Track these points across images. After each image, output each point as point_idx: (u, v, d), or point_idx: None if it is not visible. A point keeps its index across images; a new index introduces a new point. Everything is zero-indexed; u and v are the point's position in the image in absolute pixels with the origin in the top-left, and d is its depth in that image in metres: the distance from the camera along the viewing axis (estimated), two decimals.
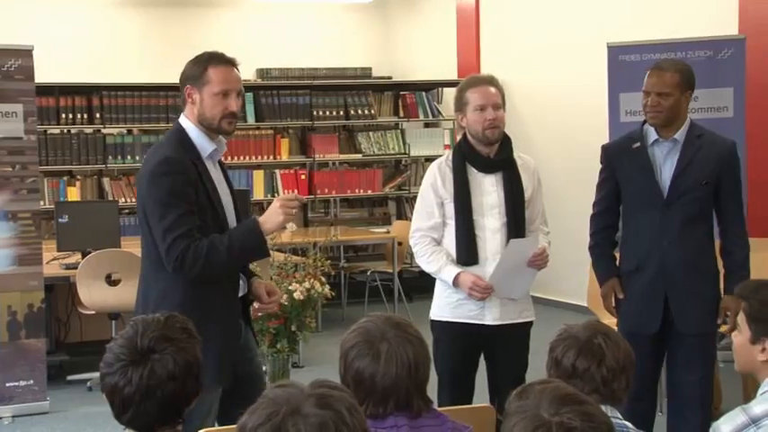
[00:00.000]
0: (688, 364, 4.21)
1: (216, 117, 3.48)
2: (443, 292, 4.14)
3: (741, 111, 6.74)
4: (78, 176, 9.34)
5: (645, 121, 4.32)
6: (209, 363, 2.94)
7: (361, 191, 10.20)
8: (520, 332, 4.14)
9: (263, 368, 6.55)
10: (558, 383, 1.91)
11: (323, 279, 6.39)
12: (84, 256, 6.91)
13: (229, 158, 9.65)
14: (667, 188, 4.18)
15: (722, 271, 4.30)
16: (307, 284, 6.18)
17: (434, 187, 4.10)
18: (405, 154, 10.40)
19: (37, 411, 6.22)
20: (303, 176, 9.94)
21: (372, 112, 10.32)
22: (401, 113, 10.57)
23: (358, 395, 2.37)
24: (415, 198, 4.26)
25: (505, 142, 4.12)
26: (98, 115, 9.30)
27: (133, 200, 9.35)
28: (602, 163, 4.42)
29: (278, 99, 9.93)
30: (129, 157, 9.38)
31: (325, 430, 1.57)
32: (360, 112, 10.24)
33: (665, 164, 4.21)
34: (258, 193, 9.68)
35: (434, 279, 4.19)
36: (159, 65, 10.44)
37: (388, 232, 9.56)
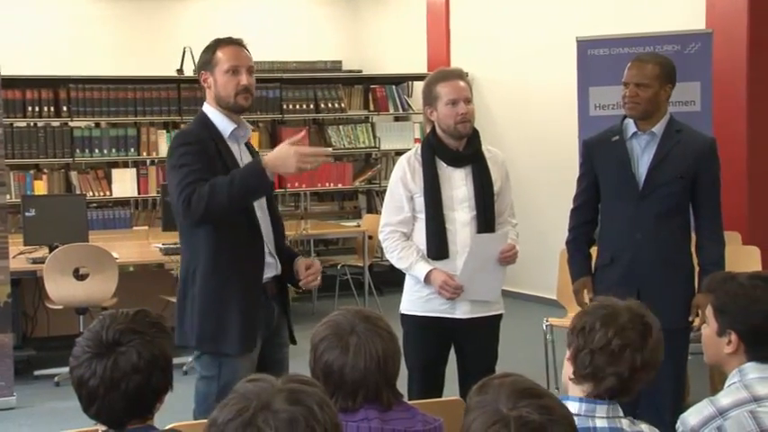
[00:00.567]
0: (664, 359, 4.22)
1: (231, 94, 3.60)
2: (413, 287, 4.13)
3: (708, 105, 6.79)
4: (45, 170, 9.25)
5: (625, 116, 4.34)
6: (232, 330, 3.45)
7: (332, 184, 10.19)
8: (490, 325, 4.15)
9: None
10: (517, 377, 1.91)
11: None
12: (51, 250, 6.86)
13: None
14: (643, 181, 4.20)
15: (697, 267, 4.31)
16: None
17: (404, 181, 4.10)
18: (375, 147, 10.39)
19: (3, 407, 6.17)
20: None
21: (342, 105, 10.31)
22: (371, 107, 10.56)
23: (327, 388, 2.37)
24: (385, 191, 4.25)
25: (474, 136, 4.12)
26: (65, 108, 9.21)
27: (100, 193, 9.30)
28: (582, 157, 4.44)
29: None
30: (96, 151, 9.31)
31: (295, 426, 1.57)
32: (330, 105, 10.23)
33: (642, 157, 4.24)
34: None
35: (404, 273, 4.19)
36: (127, 57, 10.39)
37: (358, 226, 9.55)
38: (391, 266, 4.26)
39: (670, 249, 4.24)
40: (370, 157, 10.62)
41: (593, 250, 4.49)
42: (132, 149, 9.41)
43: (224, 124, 3.63)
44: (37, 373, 6.89)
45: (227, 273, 3.51)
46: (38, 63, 9.64)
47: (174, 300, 6.78)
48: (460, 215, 4.06)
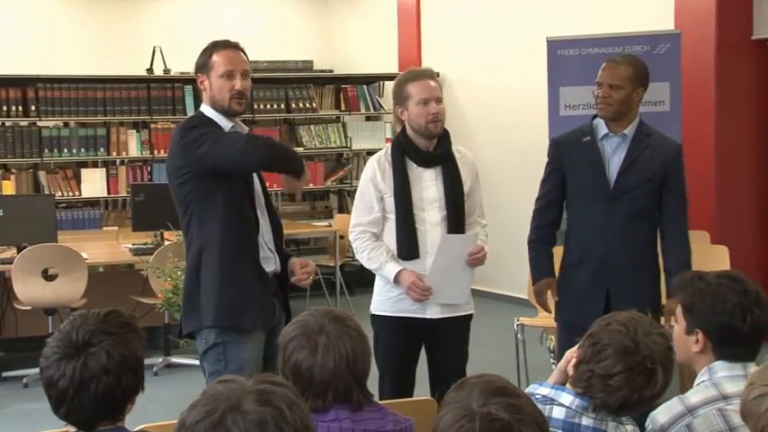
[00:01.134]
0: None
1: (225, 98, 3.66)
2: (384, 287, 4.13)
3: (677, 105, 6.83)
4: (13, 170, 9.16)
5: (595, 116, 4.36)
6: (251, 304, 3.62)
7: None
8: (460, 325, 4.16)
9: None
10: (493, 377, 1.92)
11: None
12: (19, 250, 6.81)
13: None
14: (613, 182, 4.22)
15: (663, 270, 4.35)
16: None
17: (374, 182, 4.09)
18: (346, 147, 10.38)
19: None
20: None
21: (313, 105, 10.29)
22: (342, 107, 10.55)
23: (296, 388, 2.35)
24: (356, 191, 4.25)
25: (444, 136, 4.12)
26: (33, 108, 9.12)
27: (69, 194, 9.23)
28: (549, 156, 4.43)
29: None
30: (65, 151, 9.24)
31: (264, 427, 1.56)
32: (301, 105, 10.21)
33: (613, 158, 4.25)
34: None
35: (375, 273, 4.19)
36: (97, 57, 10.31)
37: (329, 226, 9.54)
38: (363, 266, 4.25)
39: (638, 251, 4.27)
40: (341, 156, 10.61)
41: (557, 250, 4.49)
42: (102, 149, 9.35)
43: (222, 122, 3.71)
44: (5, 374, 6.83)
45: (239, 254, 3.63)
46: (6, 62, 9.55)
47: (144, 300, 6.80)
48: (431, 215, 4.06)
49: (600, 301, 4.21)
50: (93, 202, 9.39)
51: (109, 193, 9.41)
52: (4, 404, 6.28)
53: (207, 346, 3.67)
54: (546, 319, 5.18)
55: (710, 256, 6.17)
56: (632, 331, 2.41)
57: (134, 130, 9.51)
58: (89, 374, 2.21)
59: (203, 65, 3.70)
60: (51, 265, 6.68)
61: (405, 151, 4.09)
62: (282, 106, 10.10)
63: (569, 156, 4.32)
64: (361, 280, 8.47)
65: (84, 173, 9.36)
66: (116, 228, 9.09)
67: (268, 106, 10.02)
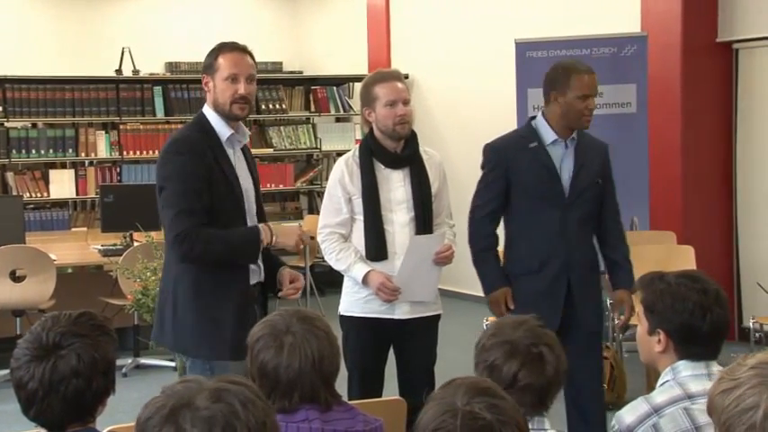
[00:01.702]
0: (588, 360, 4.26)
1: (227, 102, 3.59)
2: (352, 288, 4.14)
3: (644, 107, 6.91)
4: None
5: (532, 118, 4.34)
6: (227, 335, 3.47)
7: (273, 185, 10.15)
8: (428, 325, 4.17)
9: (174, 363, 6.50)
10: (479, 378, 1.96)
11: None
12: None
13: (138, 152, 9.53)
14: (568, 187, 4.21)
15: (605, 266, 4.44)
16: None
17: (342, 183, 4.10)
18: (316, 148, 10.38)
19: None
20: None
21: (283, 106, 10.29)
22: (312, 108, 10.55)
23: (263, 388, 2.38)
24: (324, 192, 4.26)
25: (411, 137, 4.13)
26: (1, 108, 9.06)
27: (37, 194, 9.17)
28: (490, 162, 4.28)
29: (188, 93, 9.82)
30: (33, 151, 9.18)
31: (214, 423, 1.57)
32: (271, 106, 10.20)
33: (564, 163, 4.23)
34: None
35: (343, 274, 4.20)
36: (65, 57, 10.25)
37: (300, 226, 9.52)
38: (332, 267, 4.26)
39: (590, 253, 4.32)
40: (311, 157, 10.61)
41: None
42: (70, 150, 9.29)
43: (222, 129, 3.63)
44: None
45: (219, 280, 3.54)
46: None
47: (113, 301, 6.77)
48: (399, 216, 4.07)
49: (559, 306, 4.20)
50: (61, 203, 9.34)
51: (77, 194, 9.36)
52: None
53: (191, 361, 3.66)
54: None
55: (676, 256, 6.25)
56: (505, 334, 2.46)
57: (103, 131, 9.46)
58: (59, 377, 2.20)
59: (208, 66, 3.64)
60: (19, 267, 6.63)
61: (373, 153, 4.10)
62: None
63: (515, 162, 4.22)
64: (331, 281, 8.46)
65: (53, 174, 9.30)
66: (85, 229, 9.04)
67: None
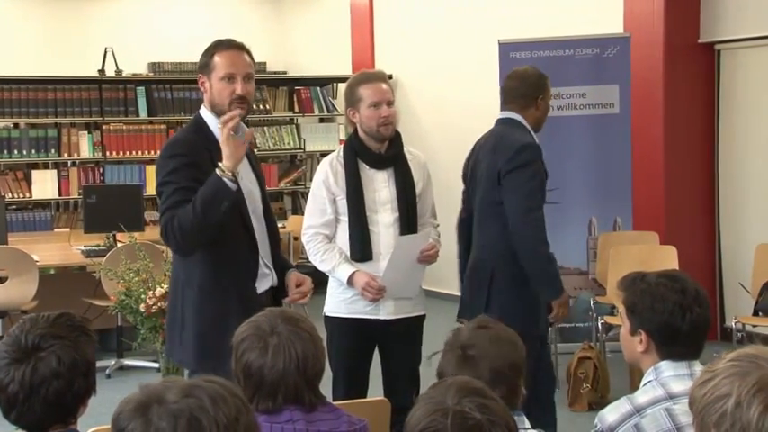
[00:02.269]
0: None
1: (224, 102, 3.47)
2: (337, 289, 4.14)
3: (627, 107, 6.93)
4: None
5: (509, 120, 4.37)
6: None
7: None
8: (413, 326, 4.18)
9: (158, 365, 6.49)
10: (471, 379, 1.96)
11: None
12: None
13: (121, 153, 9.50)
14: None
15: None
16: None
17: (326, 184, 4.10)
18: (300, 149, 10.38)
19: None
20: None
21: (267, 107, 10.28)
22: (296, 108, 10.55)
23: (248, 389, 2.38)
24: (309, 193, 4.25)
25: (395, 138, 4.13)
26: None
27: (19, 195, 9.13)
28: (538, 162, 4.17)
29: (171, 93, 9.80)
30: (15, 152, 9.15)
31: (180, 416, 1.57)
32: (254, 106, 10.15)
33: None
34: (152, 189, 9.52)
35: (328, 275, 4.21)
36: (48, 57, 10.22)
37: (283, 227, 9.51)
38: (317, 268, 4.26)
39: None
40: (295, 158, 10.61)
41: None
42: (53, 150, 9.26)
43: (218, 132, 3.48)
44: None
45: (226, 290, 3.44)
46: None
47: (96, 302, 6.75)
48: (383, 217, 4.08)
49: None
50: (44, 204, 9.31)
51: (60, 195, 9.33)
52: None
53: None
54: None
55: (659, 257, 6.27)
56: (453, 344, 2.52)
57: (86, 132, 9.44)
58: (39, 379, 2.19)
59: (204, 65, 3.52)
60: (1, 267, 6.60)
61: (357, 153, 4.10)
62: None
63: (543, 162, 4.22)
64: (316, 281, 8.44)
65: (35, 174, 9.27)
66: (68, 229, 9.01)
67: None
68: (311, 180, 4.24)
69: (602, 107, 6.94)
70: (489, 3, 9.02)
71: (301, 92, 10.54)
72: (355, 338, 4.12)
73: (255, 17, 11.53)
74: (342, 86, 10.46)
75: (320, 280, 3.90)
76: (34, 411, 2.21)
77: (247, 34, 12.27)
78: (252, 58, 3.58)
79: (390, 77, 4.25)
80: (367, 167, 4.10)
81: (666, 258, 6.23)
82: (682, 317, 2.58)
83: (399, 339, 4.13)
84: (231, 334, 3.18)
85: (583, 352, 6.00)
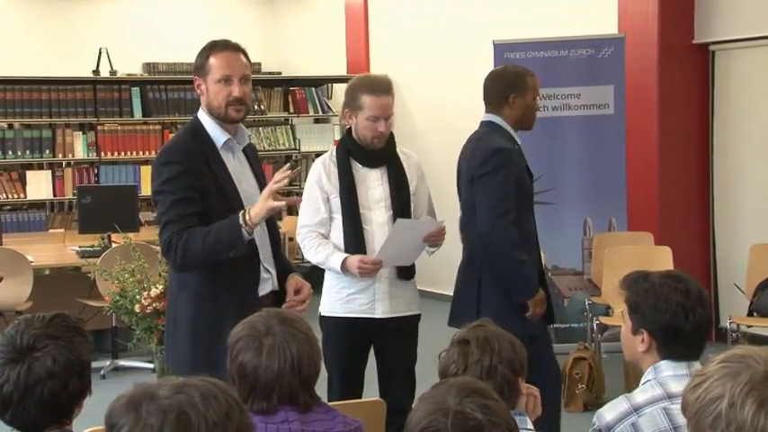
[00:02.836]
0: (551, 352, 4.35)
1: (221, 105, 3.43)
2: (333, 288, 4.14)
3: (621, 108, 6.94)
4: None
5: (490, 122, 4.36)
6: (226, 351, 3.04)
7: None
8: (408, 325, 4.18)
9: (153, 365, 6.48)
10: (472, 379, 1.97)
11: None
12: None
13: (116, 153, 9.49)
14: (533, 189, 4.32)
15: None
16: None
17: (320, 183, 4.10)
18: (295, 149, 10.38)
19: None
20: None
21: (262, 107, 10.27)
22: (291, 109, 10.54)
23: (243, 389, 2.38)
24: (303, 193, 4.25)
25: (389, 137, 4.13)
26: None
27: (14, 196, 9.12)
28: (505, 166, 4.13)
29: (165, 94, 9.79)
30: (10, 152, 9.13)
31: (169, 411, 1.58)
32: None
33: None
34: (147, 190, 9.51)
35: (323, 274, 4.20)
36: (42, 58, 10.20)
37: (278, 228, 9.51)
38: (312, 267, 4.26)
39: None
40: (289, 158, 10.58)
41: None
42: (47, 151, 9.25)
43: (216, 133, 3.47)
44: None
45: (222, 295, 3.40)
46: None
47: (91, 303, 6.74)
48: (377, 215, 4.08)
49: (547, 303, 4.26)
50: (38, 205, 9.29)
51: (55, 196, 9.32)
52: None
53: None
54: None
55: (654, 257, 6.28)
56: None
57: (80, 132, 9.43)
58: (34, 379, 2.19)
59: (200, 67, 3.46)
60: None
61: (350, 152, 4.11)
62: None
63: (517, 164, 4.20)
64: (311, 281, 8.44)
65: (30, 175, 9.25)
66: (62, 230, 8.99)
67: None
68: (306, 180, 4.23)
69: (596, 108, 6.95)
70: (484, 3, 9.02)
71: (296, 92, 10.54)
72: (351, 338, 4.12)
73: (250, 17, 11.53)
74: (337, 87, 10.52)
75: (316, 280, 3.90)
76: (29, 412, 2.20)
77: (242, 34, 12.26)
78: (248, 59, 3.53)
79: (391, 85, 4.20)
80: (360, 166, 4.10)
81: (661, 259, 6.24)
82: (685, 317, 2.59)
83: (395, 339, 4.14)
84: (224, 340, 3.16)
85: (578, 353, 6.01)
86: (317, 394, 2.49)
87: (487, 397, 1.86)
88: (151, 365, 6.63)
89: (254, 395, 2.39)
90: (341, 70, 10.47)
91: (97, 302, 6.67)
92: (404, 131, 9.21)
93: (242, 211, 3.34)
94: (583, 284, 6.97)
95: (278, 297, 3.59)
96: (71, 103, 9.32)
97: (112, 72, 9.67)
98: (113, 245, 7.10)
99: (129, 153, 9.56)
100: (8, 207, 9.00)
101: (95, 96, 9.42)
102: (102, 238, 7.39)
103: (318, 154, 9.69)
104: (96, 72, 9.61)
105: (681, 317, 2.59)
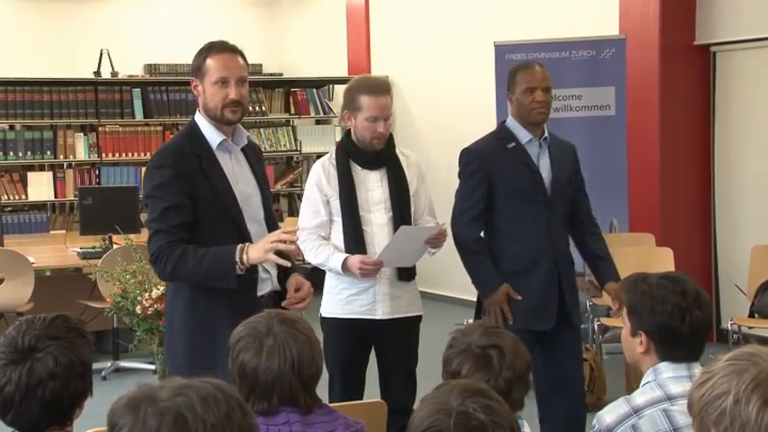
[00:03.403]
0: (575, 355, 4.33)
1: (218, 106, 3.43)
2: (334, 289, 4.15)
3: (622, 109, 6.95)
4: None
5: (503, 122, 4.37)
6: (223, 355, 2.96)
7: None
8: (409, 327, 4.18)
9: (154, 366, 6.48)
10: (474, 381, 1.98)
11: None
12: None
13: (117, 155, 9.50)
14: (549, 185, 4.24)
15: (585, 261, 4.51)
16: None
17: (319, 186, 4.10)
18: (296, 151, 10.38)
19: None
20: None
21: (263, 108, 10.28)
22: (292, 110, 10.55)
23: (243, 389, 2.39)
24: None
25: (388, 139, 4.13)
26: None
27: (15, 197, 9.13)
28: (473, 165, 4.27)
29: (167, 95, 9.80)
30: (11, 154, 9.14)
31: (166, 413, 1.59)
32: (250, 108, 10.17)
33: (540, 162, 4.26)
34: None
35: (324, 276, 4.20)
36: (43, 59, 10.20)
37: (279, 228, 9.51)
38: (313, 269, 4.26)
39: (568, 250, 4.37)
40: (291, 160, 10.61)
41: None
42: (49, 152, 9.26)
43: (212, 135, 3.47)
44: None
45: (218, 294, 3.39)
46: None
47: (92, 304, 6.75)
48: (377, 217, 4.08)
49: (554, 304, 4.23)
50: (39, 206, 9.30)
51: (56, 197, 9.33)
52: None
53: None
54: None
55: (655, 258, 6.28)
56: (459, 343, 2.51)
57: (81, 134, 9.43)
58: (36, 380, 2.19)
59: (197, 69, 3.46)
60: None
61: (349, 154, 4.11)
62: None
63: (496, 164, 4.22)
64: (312, 282, 8.44)
65: (31, 176, 9.26)
66: (63, 231, 9.00)
67: None
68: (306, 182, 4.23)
69: (598, 109, 6.95)
70: (485, 4, 9.03)
71: (297, 93, 10.54)
72: (352, 339, 4.12)
73: (251, 19, 11.53)
74: (338, 88, 10.52)
75: (317, 281, 3.90)
76: (30, 413, 2.21)
77: (243, 36, 12.31)
78: (245, 61, 3.52)
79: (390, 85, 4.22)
80: (359, 168, 4.10)
81: (662, 260, 6.23)
82: (681, 319, 2.59)
83: (395, 340, 4.14)
84: (220, 341, 3.08)
85: None
86: (317, 396, 2.49)
87: (490, 397, 1.86)
88: (152, 366, 6.63)
89: (254, 395, 2.40)
90: (342, 71, 10.48)
91: (98, 304, 6.68)
92: (404, 132, 9.23)
93: (240, 248, 3.33)
94: (584, 285, 6.96)
95: (279, 297, 3.59)
96: (72, 105, 9.33)
97: (114, 73, 9.68)
98: (114, 246, 7.11)
99: (130, 154, 9.56)
100: (9, 208, 9.00)
101: (96, 97, 9.43)
102: (104, 240, 7.39)
103: (319, 155, 9.68)
104: (97, 73, 9.62)
105: (677, 318, 2.59)
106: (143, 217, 8.45)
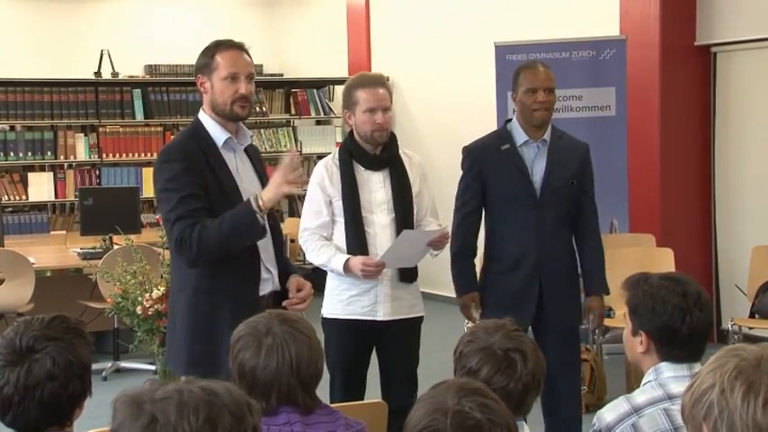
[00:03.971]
0: (561, 359, 4.26)
1: (227, 102, 3.45)
2: (335, 289, 4.14)
3: (623, 109, 6.94)
4: None
5: (508, 121, 4.38)
6: (223, 354, 2.93)
7: None
8: (411, 328, 4.18)
9: (155, 367, 6.48)
10: (471, 380, 1.97)
11: None
12: None
13: (118, 155, 9.50)
14: (540, 188, 4.24)
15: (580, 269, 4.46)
16: None
17: (322, 186, 4.10)
18: (297, 151, 10.37)
19: None
20: None
21: (264, 109, 10.28)
22: (293, 111, 10.55)
23: (242, 388, 2.37)
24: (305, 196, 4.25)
25: (391, 139, 4.13)
26: None
27: (15, 198, 9.13)
28: (466, 164, 4.36)
29: (167, 95, 9.80)
30: (12, 154, 9.14)
31: (142, 416, 1.58)
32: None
33: (536, 164, 4.27)
34: (148, 191, 9.52)
35: (326, 277, 4.20)
36: (44, 60, 10.20)
37: (281, 228, 9.51)
38: (314, 269, 4.26)
39: (566, 253, 4.35)
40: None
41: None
42: (49, 153, 9.26)
43: (218, 133, 3.49)
44: None
45: (220, 293, 3.41)
46: None
47: (93, 305, 6.75)
48: (379, 218, 4.08)
49: (533, 305, 4.24)
50: (40, 206, 9.30)
51: (56, 197, 9.33)
52: None
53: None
54: None
55: (656, 259, 6.28)
56: (481, 340, 2.47)
57: (82, 134, 9.44)
58: (34, 381, 2.18)
59: (204, 65, 3.48)
60: None
61: (352, 155, 4.11)
62: None
63: (489, 163, 4.28)
64: (313, 283, 8.43)
65: (31, 176, 9.27)
66: (64, 232, 9.01)
67: None
68: (308, 182, 4.22)
69: (598, 109, 6.95)
70: (486, 5, 9.03)
71: (298, 94, 10.55)
72: (353, 340, 4.12)
73: (251, 19, 11.53)
74: (338, 89, 10.51)
75: (318, 282, 3.90)
76: (29, 414, 2.20)
77: (243, 36, 12.20)
78: (251, 59, 3.56)
79: (387, 79, 4.24)
80: (362, 169, 4.10)
81: (663, 261, 6.23)
82: (681, 320, 2.59)
83: (397, 341, 4.13)
84: (222, 341, 3.12)
85: None
86: (317, 397, 2.49)
87: (486, 396, 1.86)
88: (153, 367, 6.63)
89: (252, 394, 2.39)
90: (342, 72, 10.47)
91: (99, 304, 6.68)
92: (405, 132, 9.22)
93: (254, 197, 3.35)
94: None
95: (279, 297, 3.59)
96: (73, 105, 9.33)
97: (114, 74, 9.68)
98: (115, 246, 7.11)
99: (130, 155, 9.56)
100: (10, 209, 9.00)
101: (97, 98, 9.43)
102: (104, 240, 7.40)
103: (320, 155, 9.75)
104: (98, 74, 9.62)
105: (677, 319, 2.59)
106: (144, 218, 8.47)
